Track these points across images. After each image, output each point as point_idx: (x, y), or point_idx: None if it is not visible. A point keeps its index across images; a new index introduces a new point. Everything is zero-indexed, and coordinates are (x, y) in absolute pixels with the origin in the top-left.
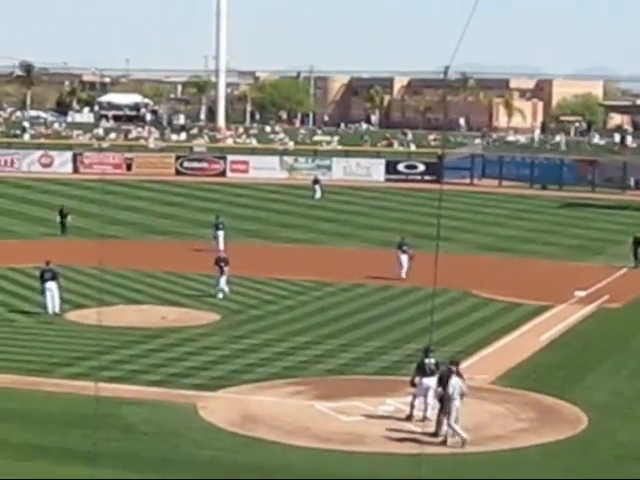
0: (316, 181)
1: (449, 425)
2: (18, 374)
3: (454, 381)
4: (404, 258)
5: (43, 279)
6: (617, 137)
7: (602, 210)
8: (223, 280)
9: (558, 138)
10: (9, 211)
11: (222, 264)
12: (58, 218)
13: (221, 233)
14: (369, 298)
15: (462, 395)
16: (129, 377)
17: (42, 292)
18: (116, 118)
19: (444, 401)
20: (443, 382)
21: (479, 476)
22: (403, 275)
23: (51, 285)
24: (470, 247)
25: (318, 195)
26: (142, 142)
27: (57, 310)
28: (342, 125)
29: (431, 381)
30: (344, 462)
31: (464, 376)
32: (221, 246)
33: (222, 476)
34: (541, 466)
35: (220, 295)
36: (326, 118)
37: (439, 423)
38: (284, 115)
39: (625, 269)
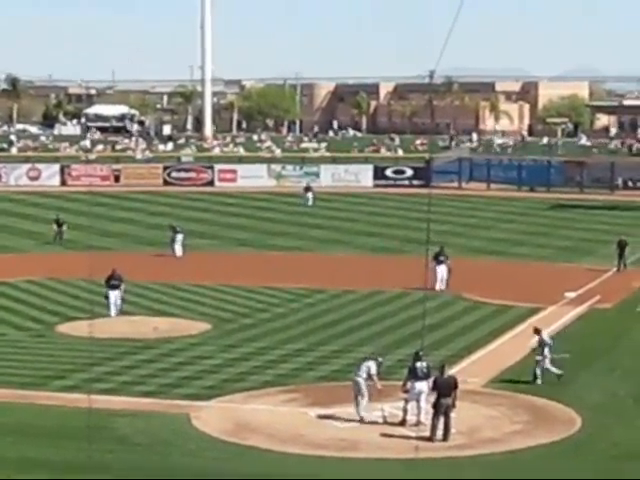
0: (308, 188)
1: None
2: (10, 388)
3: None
4: (442, 269)
5: (109, 285)
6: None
7: (591, 211)
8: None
9: (545, 140)
10: None
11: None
12: (55, 227)
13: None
14: (360, 304)
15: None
16: (121, 388)
17: (106, 297)
18: (103, 130)
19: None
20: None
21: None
22: (438, 287)
23: (117, 291)
24: (460, 251)
25: (310, 202)
26: (129, 153)
27: (114, 313)
28: (330, 132)
29: (423, 385)
30: (339, 469)
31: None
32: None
33: None
34: (536, 468)
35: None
36: (316, 129)
37: (434, 427)
38: (271, 123)
39: (615, 269)
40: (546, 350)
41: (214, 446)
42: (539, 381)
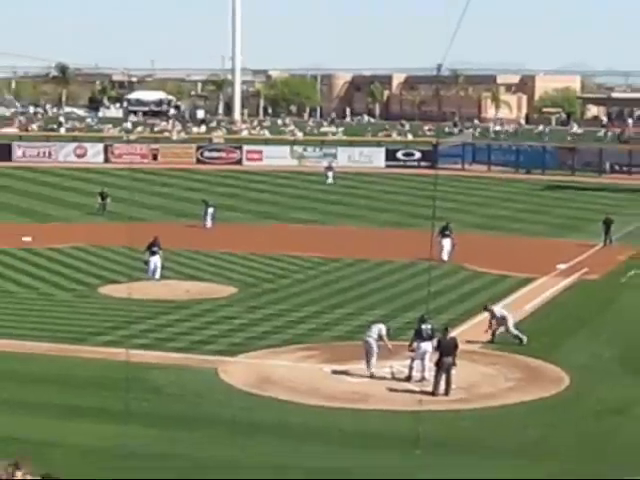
0: (329, 167)
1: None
2: (57, 342)
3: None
4: (447, 242)
5: (150, 251)
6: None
7: (581, 192)
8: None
9: (541, 127)
10: (48, 197)
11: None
12: (99, 199)
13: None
14: (371, 272)
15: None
16: (156, 344)
17: (146, 263)
18: (143, 113)
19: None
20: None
21: (476, 430)
22: (444, 258)
23: (156, 257)
24: (463, 226)
25: (330, 180)
26: (166, 134)
27: (157, 277)
28: (346, 118)
29: (428, 345)
30: (351, 418)
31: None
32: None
33: (242, 432)
34: (532, 419)
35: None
36: (334, 115)
37: (437, 383)
38: (294, 109)
39: (602, 244)
40: (508, 320)
41: (239, 397)
42: (524, 340)
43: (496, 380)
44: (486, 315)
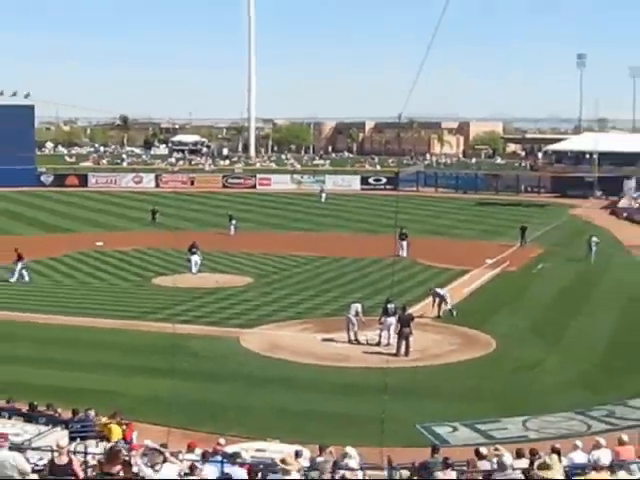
0: (322, 190)
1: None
2: (121, 319)
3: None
4: (404, 243)
5: (190, 252)
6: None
7: (503, 207)
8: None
9: (474, 160)
10: (114, 213)
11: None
12: (151, 214)
13: (232, 226)
14: (351, 266)
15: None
16: (194, 320)
17: (188, 260)
18: (183, 151)
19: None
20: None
21: (427, 381)
22: (404, 254)
23: (195, 257)
24: (417, 232)
25: (323, 199)
26: (200, 166)
27: (195, 271)
28: (332, 154)
29: (392, 319)
30: (336, 373)
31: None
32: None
33: (259, 384)
34: (470, 372)
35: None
36: (322, 152)
37: (399, 347)
38: (293, 148)
39: (518, 245)
40: (446, 298)
41: (255, 358)
42: (454, 314)
43: (442, 345)
44: (429, 299)
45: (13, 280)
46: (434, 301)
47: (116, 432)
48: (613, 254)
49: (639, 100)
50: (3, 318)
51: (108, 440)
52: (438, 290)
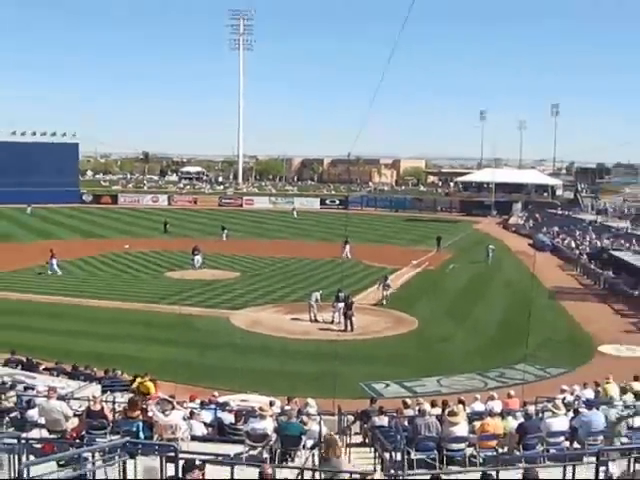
0: (294, 208)
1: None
2: (142, 302)
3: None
4: (347, 247)
5: (193, 253)
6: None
7: (424, 222)
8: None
9: (403, 187)
10: (138, 224)
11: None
12: (164, 225)
13: (225, 234)
14: (312, 265)
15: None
16: (195, 304)
17: (192, 259)
18: (189, 179)
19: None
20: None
21: (367, 350)
22: (349, 256)
23: (197, 257)
24: (361, 240)
25: (295, 215)
26: (202, 190)
27: (197, 267)
28: (299, 182)
29: (342, 304)
30: (301, 343)
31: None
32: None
33: (243, 352)
34: (400, 343)
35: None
36: (291, 180)
37: (346, 325)
38: (270, 177)
39: (435, 250)
40: (390, 287)
41: (241, 332)
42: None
43: (379, 323)
44: (376, 285)
45: (50, 273)
46: (380, 286)
47: (151, 387)
48: (504, 258)
49: (524, 144)
50: (54, 301)
51: (143, 394)
52: (388, 281)
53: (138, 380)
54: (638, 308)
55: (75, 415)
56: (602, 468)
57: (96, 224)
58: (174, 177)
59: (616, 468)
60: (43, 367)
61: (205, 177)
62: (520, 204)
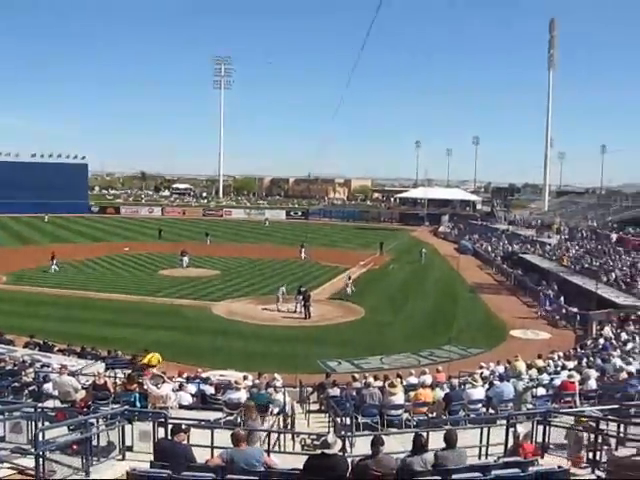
0: (266, 219)
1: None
2: (139, 295)
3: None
4: (303, 250)
5: (181, 255)
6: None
7: (370, 230)
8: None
9: (353, 202)
10: (137, 231)
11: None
12: (159, 232)
13: (208, 240)
14: (278, 264)
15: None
16: (183, 296)
17: (181, 260)
18: (179, 194)
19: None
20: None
21: (323, 334)
22: (303, 258)
23: (185, 258)
24: (318, 244)
25: (267, 224)
26: (189, 203)
27: (185, 267)
28: (269, 197)
29: (301, 297)
30: (269, 329)
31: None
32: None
33: (223, 336)
34: (350, 329)
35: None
36: (263, 195)
37: (305, 314)
38: (246, 193)
39: (378, 253)
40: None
41: (221, 319)
42: (348, 297)
43: (333, 312)
44: (343, 279)
45: (52, 272)
46: (347, 283)
47: (155, 358)
48: (434, 259)
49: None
50: (66, 294)
51: (148, 365)
52: (349, 281)
53: (149, 355)
54: (542, 301)
55: (83, 388)
56: (511, 429)
57: (101, 230)
58: (166, 192)
59: (522, 429)
60: (57, 348)
61: (192, 192)
62: (447, 216)
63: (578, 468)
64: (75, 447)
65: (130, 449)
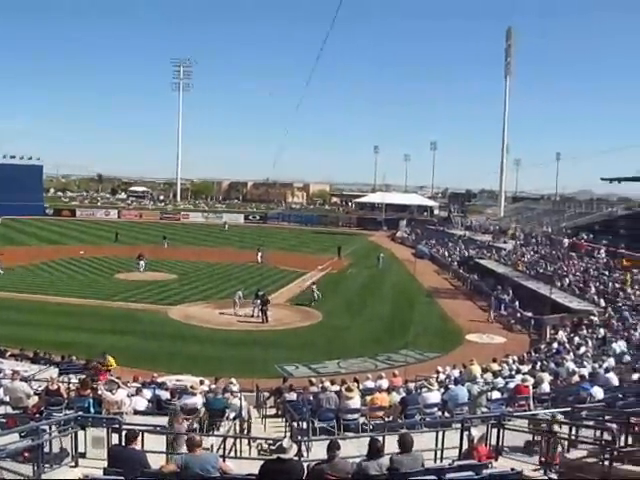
0: (225, 222)
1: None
2: (95, 299)
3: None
4: (260, 254)
5: (138, 258)
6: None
7: (328, 235)
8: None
9: (312, 207)
10: (92, 233)
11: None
12: (115, 235)
13: (166, 243)
14: (237, 269)
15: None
16: (140, 300)
17: (137, 264)
18: (136, 196)
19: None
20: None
21: (281, 338)
22: (259, 261)
23: (142, 262)
24: (276, 248)
25: (226, 228)
26: (146, 206)
27: (142, 270)
28: (227, 201)
29: (259, 301)
30: (226, 333)
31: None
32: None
33: (179, 340)
34: (307, 333)
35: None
36: (221, 199)
37: (262, 318)
38: (203, 196)
39: (337, 257)
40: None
41: (177, 324)
42: (314, 302)
43: (292, 317)
44: (307, 284)
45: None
46: (312, 289)
47: (112, 361)
48: (392, 264)
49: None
50: (20, 298)
51: (107, 368)
52: (314, 286)
53: (109, 358)
54: (496, 305)
55: (35, 394)
56: (466, 433)
57: (56, 233)
58: (123, 195)
59: (476, 432)
60: (9, 353)
61: (149, 195)
62: (405, 221)
63: (531, 471)
64: (27, 454)
65: (83, 456)
